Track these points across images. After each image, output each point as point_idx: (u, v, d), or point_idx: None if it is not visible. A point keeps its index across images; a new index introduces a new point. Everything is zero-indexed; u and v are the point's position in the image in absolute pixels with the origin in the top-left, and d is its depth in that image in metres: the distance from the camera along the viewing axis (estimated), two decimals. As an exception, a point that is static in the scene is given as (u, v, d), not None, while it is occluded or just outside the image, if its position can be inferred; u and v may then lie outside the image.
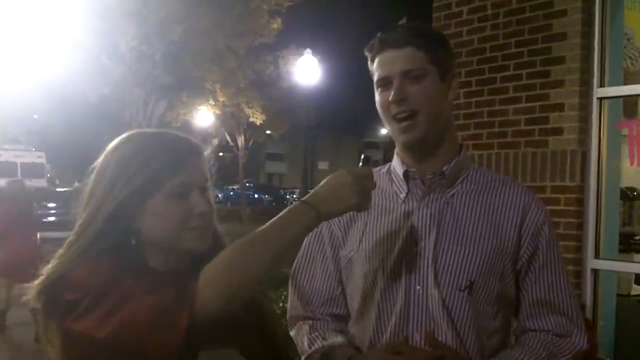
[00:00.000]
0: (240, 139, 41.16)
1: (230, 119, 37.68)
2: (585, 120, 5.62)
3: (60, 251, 1.93)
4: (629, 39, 6.10)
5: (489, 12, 6.25)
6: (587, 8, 5.62)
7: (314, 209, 1.87)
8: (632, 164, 5.41)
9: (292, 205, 1.90)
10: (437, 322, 2.18)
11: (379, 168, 2.48)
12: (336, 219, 2.32)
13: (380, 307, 2.26)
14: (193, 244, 1.94)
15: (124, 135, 2.02)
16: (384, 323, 2.25)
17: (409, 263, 2.23)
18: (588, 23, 5.63)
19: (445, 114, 2.30)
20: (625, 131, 5.59)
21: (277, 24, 32.11)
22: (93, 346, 1.73)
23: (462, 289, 2.18)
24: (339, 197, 1.92)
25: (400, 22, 2.37)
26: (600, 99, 5.61)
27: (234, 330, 1.92)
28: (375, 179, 2.29)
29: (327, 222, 2.15)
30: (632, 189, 6.25)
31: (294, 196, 48.86)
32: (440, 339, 2.17)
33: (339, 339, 2.33)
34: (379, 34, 2.31)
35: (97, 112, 32.07)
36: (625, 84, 5.84)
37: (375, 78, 2.30)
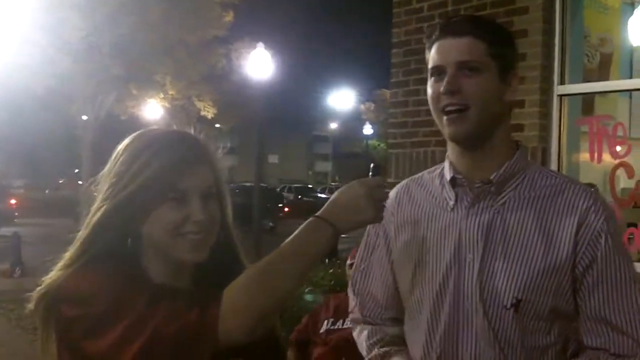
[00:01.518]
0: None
1: (180, 112, 37.36)
2: (545, 117, 5.68)
3: (65, 254, 1.88)
4: (585, 37, 6.18)
5: (450, 8, 6.27)
6: (548, 6, 5.68)
7: (331, 226, 1.80)
8: (592, 160, 5.48)
9: (308, 222, 1.81)
10: (485, 342, 2.06)
11: (432, 169, 2.34)
12: (390, 222, 2.24)
13: (430, 319, 2.16)
14: (185, 253, 1.86)
15: (136, 133, 1.95)
16: (433, 339, 2.15)
17: (457, 277, 2.11)
18: (549, 20, 5.68)
19: (499, 114, 2.13)
20: (584, 128, 5.65)
21: (229, 16, 31.88)
22: None
23: (508, 307, 2.03)
24: (355, 211, 1.83)
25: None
26: (561, 96, 5.67)
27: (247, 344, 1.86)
28: (424, 182, 2.30)
29: (382, 222, 2.00)
30: (590, 185, 6.31)
31: (244, 190, 48.56)
32: (486, 358, 2.06)
33: (398, 348, 2.26)
34: (440, 21, 2.18)
35: (43, 105, 31.52)
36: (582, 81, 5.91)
37: (429, 66, 2.15)
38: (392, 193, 2.36)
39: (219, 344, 1.67)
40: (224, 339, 1.67)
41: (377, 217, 1.88)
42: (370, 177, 1.95)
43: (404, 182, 2.39)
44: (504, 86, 2.12)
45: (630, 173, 5.32)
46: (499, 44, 2.10)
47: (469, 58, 2.06)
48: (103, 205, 1.86)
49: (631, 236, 5.28)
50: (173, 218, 1.83)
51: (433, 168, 2.35)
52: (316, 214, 1.84)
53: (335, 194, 1.89)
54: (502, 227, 2.09)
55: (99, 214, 1.85)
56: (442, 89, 2.07)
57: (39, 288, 1.84)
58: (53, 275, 1.84)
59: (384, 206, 1.92)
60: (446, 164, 2.23)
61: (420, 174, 2.39)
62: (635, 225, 5.27)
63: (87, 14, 26.28)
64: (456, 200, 2.17)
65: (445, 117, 2.09)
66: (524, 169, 2.17)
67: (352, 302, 2.42)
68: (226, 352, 1.71)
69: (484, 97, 2.07)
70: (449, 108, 2.08)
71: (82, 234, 1.88)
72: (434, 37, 2.14)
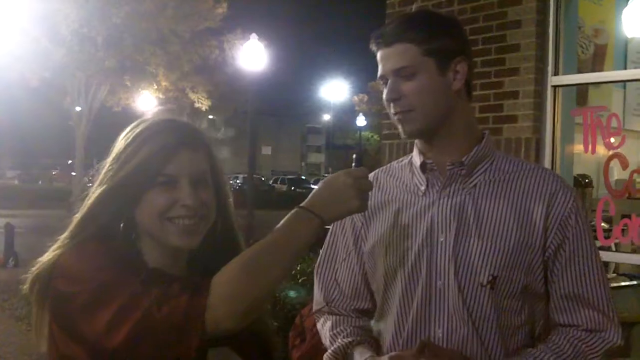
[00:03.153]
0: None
1: (173, 104, 37.29)
2: (539, 107, 5.67)
3: (62, 237, 1.89)
4: (580, 28, 6.17)
5: (443, -1, 6.25)
6: (542, -4, 5.65)
7: (317, 216, 1.82)
8: (586, 151, 5.47)
9: (294, 213, 1.83)
10: (456, 318, 2.11)
11: (400, 160, 2.41)
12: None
13: (401, 302, 2.20)
14: (174, 238, 1.86)
15: (137, 121, 1.97)
16: (404, 319, 2.20)
17: (429, 258, 2.16)
18: (543, 11, 5.67)
19: (447, 105, 2.18)
20: (578, 119, 5.65)
21: (222, 8, 31.87)
22: (97, 352, 1.70)
23: (484, 284, 2.10)
24: (340, 201, 1.86)
25: (413, 6, 2.29)
26: (555, 86, 5.66)
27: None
28: (392, 172, 2.34)
29: (350, 215, 2.05)
30: (584, 176, 6.32)
31: (237, 181, 48.71)
32: (459, 335, 2.11)
33: (360, 338, 2.28)
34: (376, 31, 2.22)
35: (37, 97, 31.50)
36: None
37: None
38: None
39: (206, 332, 1.67)
40: (213, 328, 1.67)
41: (362, 207, 1.91)
42: (353, 167, 1.96)
43: (372, 173, 2.42)
44: (446, 78, 2.16)
45: (625, 164, 5.32)
46: (432, 41, 2.14)
47: (401, 65, 2.13)
48: (99, 188, 1.88)
49: (625, 227, 5.28)
50: (161, 202, 1.85)
51: (401, 158, 2.41)
52: (301, 205, 1.85)
53: (320, 184, 1.91)
54: (474, 207, 2.17)
55: (94, 196, 1.87)
56: (384, 96, 2.18)
57: (33, 269, 1.85)
58: (47, 256, 1.85)
59: (368, 196, 1.96)
60: (415, 152, 2.30)
61: (388, 165, 2.45)
62: (629, 217, 5.27)
63: (79, 5, 26.23)
64: (427, 186, 2.23)
65: (395, 118, 2.19)
66: (491, 154, 2.24)
67: (317, 292, 2.44)
68: (210, 339, 1.71)
69: (425, 96, 2.14)
70: (395, 114, 2.18)
71: (78, 215, 1.89)
72: (373, 48, 2.22)
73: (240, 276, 1.71)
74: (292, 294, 6.19)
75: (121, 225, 1.87)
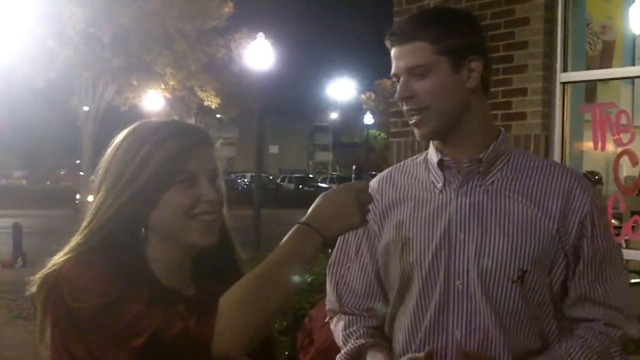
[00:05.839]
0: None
1: (180, 103, 37.38)
2: (548, 104, 5.66)
3: (73, 241, 1.85)
4: (588, 24, 6.16)
5: (450, -4, 6.23)
6: (550, -7, 5.63)
7: (319, 234, 1.78)
8: (595, 148, 5.45)
9: (296, 230, 1.79)
10: (481, 317, 2.08)
11: (415, 157, 2.37)
12: (372, 210, 2.19)
13: (418, 303, 2.17)
14: (197, 236, 1.84)
15: (130, 126, 1.93)
16: (420, 320, 2.16)
17: (448, 257, 2.13)
18: (551, 8, 5.65)
19: (461, 103, 2.14)
20: (587, 116, 5.63)
21: (228, 7, 31.94)
22: None
23: (515, 279, 2.07)
24: (342, 217, 1.82)
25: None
26: (564, 83, 5.65)
27: None
28: (407, 169, 2.31)
29: (350, 231, 2.03)
30: (594, 173, 6.30)
31: (245, 180, 48.83)
32: (478, 337, 2.08)
33: (373, 340, 2.27)
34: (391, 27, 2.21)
35: (44, 98, 31.57)
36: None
37: None
38: (374, 182, 2.37)
39: (212, 358, 1.66)
40: (219, 356, 1.66)
41: (362, 223, 1.87)
42: (353, 180, 1.92)
43: (385, 170, 2.42)
44: (459, 77, 2.13)
45: (634, 161, 5.30)
46: (445, 39, 2.11)
47: (414, 63, 2.11)
48: (111, 194, 1.83)
49: (635, 224, 5.26)
50: (185, 200, 1.83)
51: (416, 156, 2.38)
52: (303, 221, 1.81)
53: (320, 198, 1.86)
54: (494, 205, 2.13)
55: (108, 201, 1.83)
56: (396, 95, 2.16)
57: (42, 271, 1.83)
58: (56, 260, 1.83)
59: (369, 210, 1.92)
60: (432, 149, 2.26)
61: (402, 162, 2.41)
62: (639, 214, 5.24)
63: (85, 5, 26.28)
64: (444, 183, 2.20)
65: (409, 120, 2.18)
66: (508, 151, 2.22)
67: (330, 291, 2.42)
68: None
69: (438, 96, 2.12)
70: (408, 112, 2.16)
71: (88, 221, 1.86)
72: (387, 45, 2.20)
73: (246, 302, 1.69)
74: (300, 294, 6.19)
75: (143, 231, 1.84)
